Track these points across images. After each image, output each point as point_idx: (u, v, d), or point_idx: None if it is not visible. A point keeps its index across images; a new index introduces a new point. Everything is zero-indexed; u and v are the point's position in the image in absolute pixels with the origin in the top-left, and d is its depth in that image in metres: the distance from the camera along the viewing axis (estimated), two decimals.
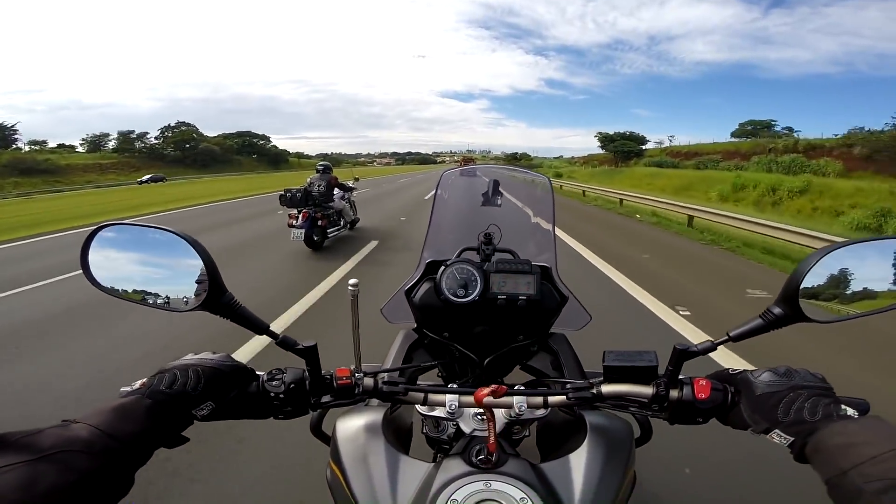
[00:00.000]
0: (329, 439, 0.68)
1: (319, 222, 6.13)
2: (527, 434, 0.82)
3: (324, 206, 6.43)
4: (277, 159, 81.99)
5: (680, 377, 0.58)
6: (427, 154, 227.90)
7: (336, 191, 6.91)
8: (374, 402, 0.69)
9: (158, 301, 0.56)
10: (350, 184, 7.68)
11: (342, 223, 7.10)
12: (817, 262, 0.51)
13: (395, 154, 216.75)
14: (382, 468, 0.58)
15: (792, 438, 0.47)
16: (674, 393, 0.57)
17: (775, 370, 0.52)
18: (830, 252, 0.52)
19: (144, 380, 0.52)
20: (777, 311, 0.54)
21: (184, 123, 69.77)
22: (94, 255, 0.56)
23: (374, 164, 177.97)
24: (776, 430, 0.49)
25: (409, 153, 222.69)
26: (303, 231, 5.92)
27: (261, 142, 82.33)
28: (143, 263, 0.58)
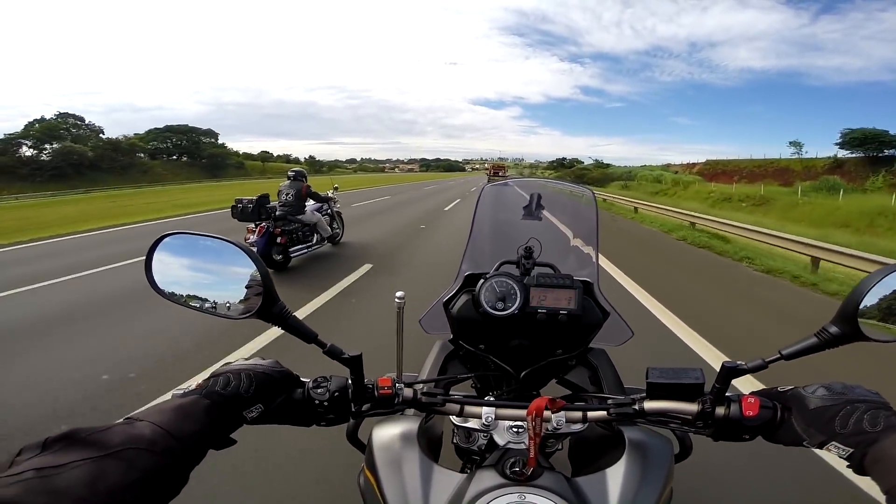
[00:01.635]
0: (363, 447, 0.69)
1: (279, 239, 5.24)
2: (559, 448, 0.82)
3: (291, 218, 5.64)
4: (216, 164, 60.30)
5: (727, 394, 0.57)
6: (456, 161, 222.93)
7: (310, 202, 6.13)
8: (410, 411, 0.71)
9: (215, 308, 0.59)
10: (329, 193, 6.87)
11: (315, 239, 6.17)
12: (879, 281, 0.51)
13: (423, 161, 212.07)
14: (416, 477, 0.59)
15: (851, 450, 0.46)
16: (720, 410, 0.56)
17: (829, 386, 0.52)
18: (892, 272, 0.51)
19: (199, 381, 0.54)
20: (833, 329, 0.53)
21: (69, 116, 50.25)
22: (157, 263, 0.59)
23: (396, 170, 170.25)
24: (833, 443, 0.48)
25: (438, 159, 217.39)
26: (254, 249, 4.66)
27: (207, 139, 63.43)
28: (201, 271, 0.61)
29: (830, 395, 0.51)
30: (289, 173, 6.08)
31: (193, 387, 0.53)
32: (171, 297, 0.60)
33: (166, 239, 0.60)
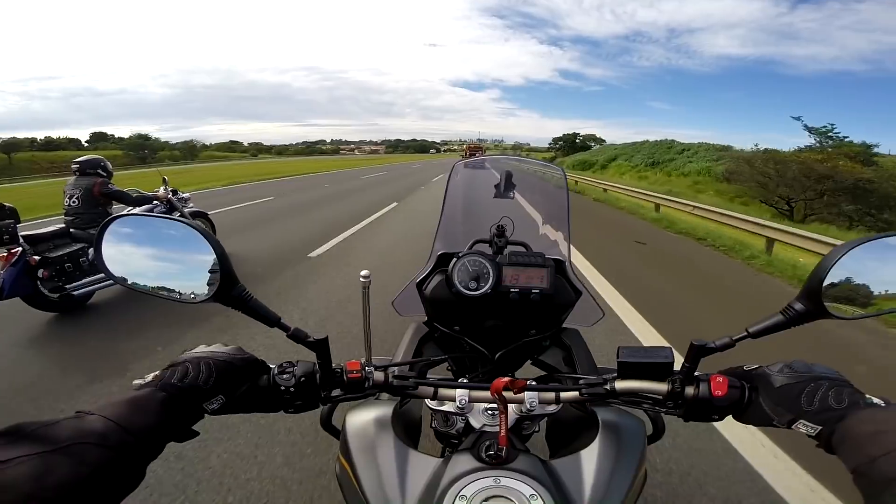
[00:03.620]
0: (338, 433, 0.68)
1: (40, 271, 3.34)
2: (536, 430, 0.82)
3: (77, 234, 3.73)
4: None
5: (696, 374, 0.57)
6: (433, 142, 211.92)
7: (111, 206, 4.03)
8: (385, 395, 0.69)
9: (171, 293, 0.56)
10: (162, 190, 4.63)
11: None
12: (841, 257, 0.51)
13: (396, 141, 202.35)
14: (391, 463, 0.58)
15: (819, 427, 0.47)
16: (689, 390, 0.57)
17: (791, 364, 0.52)
18: (854, 247, 0.51)
19: (157, 372, 0.51)
20: (798, 306, 0.53)
21: None
22: (107, 248, 0.55)
23: (356, 153, 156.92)
24: (802, 421, 0.48)
25: (415, 140, 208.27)
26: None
27: None
28: (155, 255, 0.57)
29: (794, 373, 0.51)
30: (73, 165, 4.01)
31: (150, 378, 0.50)
32: (124, 282, 0.56)
33: (113, 223, 0.56)
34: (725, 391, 0.54)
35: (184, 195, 5.12)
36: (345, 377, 0.60)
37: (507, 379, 0.55)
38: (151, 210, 4.37)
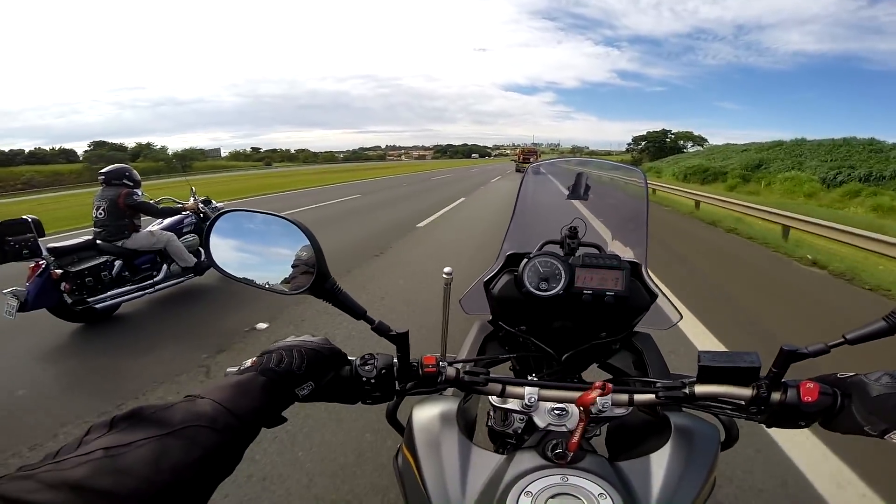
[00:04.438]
0: (401, 428, 0.70)
1: (63, 284, 3.37)
2: (598, 433, 0.81)
3: (104, 246, 3.72)
4: None
5: (783, 380, 0.55)
6: (485, 147, 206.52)
7: (138, 217, 3.90)
8: (449, 391, 0.71)
9: (269, 284, 0.61)
10: (191, 202, 4.52)
11: (162, 273, 4.04)
12: None
13: (448, 146, 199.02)
14: (454, 457, 0.59)
15: None
16: (775, 395, 0.55)
17: (892, 373, 0.50)
18: None
19: (254, 359, 0.55)
20: None
21: None
22: (214, 240, 0.61)
23: (402, 158, 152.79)
24: None
25: (466, 145, 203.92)
26: (16, 302, 3.11)
27: None
28: (256, 248, 0.63)
29: (895, 383, 0.49)
30: (99, 175, 3.86)
31: (248, 364, 0.54)
32: (228, 274, 0.61)
33: (221, 219, 0.61)
34: (816, 397, 0.53)
35: (217, 204, 4.93)
36: (420, 371, 0.62)
37: (597, 387, 0.55)
38: (182, 221, 4.37)
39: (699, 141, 47.57)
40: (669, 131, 50.12)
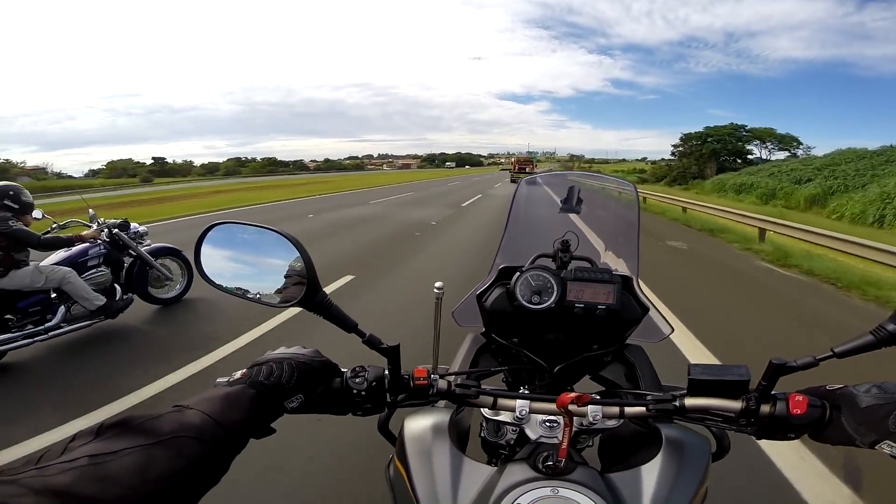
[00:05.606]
0: (394, 439, 0.69)
1: None
2: (590, 444, 0.81)
3: None
4: None
5: (773, 392, 0.56)
6: (479, 155, 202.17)
7: (21, 250, 3.07)
8: (441, 403, 0.70)
9: (258, 296, 0.60)
10: (79, 229, 3.71)
11: (59, 316, 3.20)
12: None
13: (441, 155, 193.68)
14: (446, 468, 0.59)
15: None
16: (765, 408, 0.55)
17: (881, 385, 0.51)
18: None
19: (243, 371, 0.54)
20: (891, 327, 0.51)
21: None
22: (205, 252, 0.61)
23: (383, 168, 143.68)
24: (887, 441, 0.47)
25: (460, 153, 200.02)
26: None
27: None
28: (247, 260, 0.62)
29: (884, 394, 0.49)
30: None
31: (238, 376, 0.53)
32: (218, 285, 0.61)
33: (212, 230, 0.61)
34: (805, 410, 0.53)
35: (139, 229, 3.98)
36: (412, 383, 0.62)
37: (574, 394, 0.55)
38: (86, 252, 3.46)
39: (788, 143, 30.14)
40: (743, 127, 31.53)
